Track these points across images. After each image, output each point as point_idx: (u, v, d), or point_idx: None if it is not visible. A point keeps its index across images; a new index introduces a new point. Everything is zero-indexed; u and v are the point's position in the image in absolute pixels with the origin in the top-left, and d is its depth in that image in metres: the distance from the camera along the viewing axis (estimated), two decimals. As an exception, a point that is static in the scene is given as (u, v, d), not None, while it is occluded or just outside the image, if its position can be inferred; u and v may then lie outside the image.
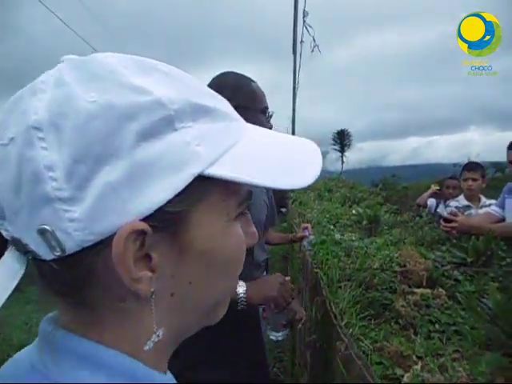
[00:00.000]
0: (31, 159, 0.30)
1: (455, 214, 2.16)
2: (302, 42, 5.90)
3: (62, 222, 0.30)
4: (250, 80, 1.35)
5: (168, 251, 0.33)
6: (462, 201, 2.97)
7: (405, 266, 1.61)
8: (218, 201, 0.36)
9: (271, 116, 1.35)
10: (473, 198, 2.92)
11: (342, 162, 62.00)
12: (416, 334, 1.28)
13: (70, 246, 0.30)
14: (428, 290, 1.46)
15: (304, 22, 5.02)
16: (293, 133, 10.56)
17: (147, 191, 0.31)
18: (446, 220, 2.16)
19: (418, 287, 1.52)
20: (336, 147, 63.78)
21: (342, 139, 60.79)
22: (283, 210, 6.09)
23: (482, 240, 1.92)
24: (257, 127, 0.41)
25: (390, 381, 1.02)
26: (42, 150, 0.30)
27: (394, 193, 7.36)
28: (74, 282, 0.32)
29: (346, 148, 62.61)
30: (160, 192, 0.31)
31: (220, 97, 0.39)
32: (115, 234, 0.30)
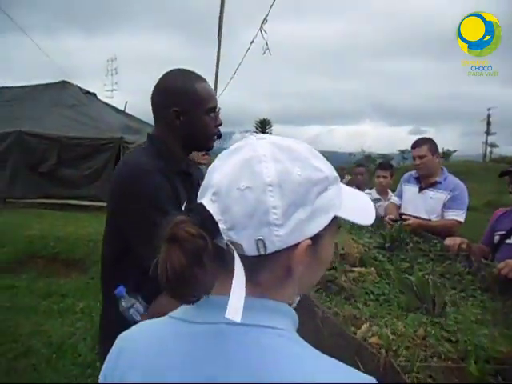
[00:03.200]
0: (264, 201, 0.52)
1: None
2: (252, 42, 6.05)
3: (271, 237, 0.52)
4: (195, 80, 1.35)
5: (310, 253, 0.57)
6: (374, 194, 3.54)
7: (343, 249, 1.99)
8: (335, 228, 0.61)
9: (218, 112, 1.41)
10: (383, 192, 3.51)
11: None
12: (356, 302, 1.66)
13: (270, 249, 0.53)
14: (363, 269, 1.87)
15: (261, 27, 5.23)
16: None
17: (315, 223, 0.55)
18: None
19: (354, 266, 1.92)
20: (258, 135, 64.85)
21: (263, 127, 62.53)
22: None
23: (395, 229, 2.42)
24: (340, 184, 0.65)
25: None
26: (270, 197, 0.52)
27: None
28: (259, 266, 0.56)
29: (266, 136, 64.11)
30: (320, 223, 0.56)
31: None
32: (297, 243, 0.54)
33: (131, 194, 1.23)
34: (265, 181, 0.53)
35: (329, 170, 0.59)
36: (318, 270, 0.63)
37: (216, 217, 0.54)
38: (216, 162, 0.59)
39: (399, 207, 2.97)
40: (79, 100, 10.19)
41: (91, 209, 8.15)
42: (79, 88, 10.79)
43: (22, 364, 2.89)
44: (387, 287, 1.77)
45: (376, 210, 2.33)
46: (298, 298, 0.62)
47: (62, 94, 10.16)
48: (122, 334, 0.64)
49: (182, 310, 0.59)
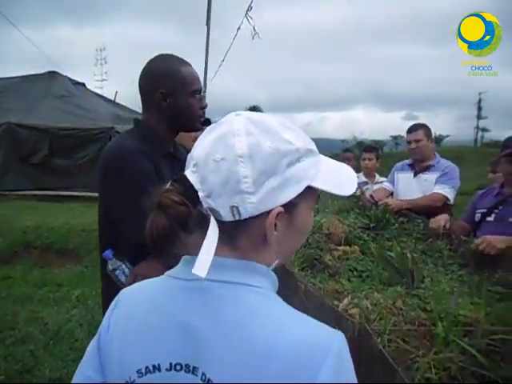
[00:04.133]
0: (236, 171, 0.58)
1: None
2: (239, 28, 6.03)
3: (244, 204, 0.58)
4: (180, 64, 1.41)
5: (285, 221, 0.62)
6: (361, 177, 3.61)
7: (328, 229, 2.06)
8: (312, 198, 0.65)
9: (204, 96, 1.54)
10: (369, 174, 3.58)
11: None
12: (340, 278, 1.73)
13: (244, 215, 0.59)
14: (347, 247, 1.94)
15: (247, 13, 5.23)
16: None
17: (286, 191, 0.60)
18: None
19: (339, 245, 1.99)
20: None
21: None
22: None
23: (380, 210, 2.49)
24: (321, 157, 0.69)
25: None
26: (242, 168, 0.57)
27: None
28: (237, 232, 0.61)
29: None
30: (292, 192, 0.60)
31: (311, 141, 0.67)
32: (269, 210, 0.59)
33: (115, 176, 1.27)
34: (237, 152, 0.58)
35: (301, 143, 0.62)
36: (296, 237, 0.68)
37: (196, 186, 0.60)
38: (199, 138, 0.64)
39: (390, 194, 3.02)
40: (68, 90, 10.09)
41: (83, 199, 8.15)
42: (68, 78, 10.68)
43: (20, 350, 2.96)
44: (371, 264, 1.85)
45: (363, 192, 2.40)
46: (277, 261, 0.68)
47: (51, 84, 10.05)
48: (123, 290, 0.71)
49: (175, 269, 0.65)
